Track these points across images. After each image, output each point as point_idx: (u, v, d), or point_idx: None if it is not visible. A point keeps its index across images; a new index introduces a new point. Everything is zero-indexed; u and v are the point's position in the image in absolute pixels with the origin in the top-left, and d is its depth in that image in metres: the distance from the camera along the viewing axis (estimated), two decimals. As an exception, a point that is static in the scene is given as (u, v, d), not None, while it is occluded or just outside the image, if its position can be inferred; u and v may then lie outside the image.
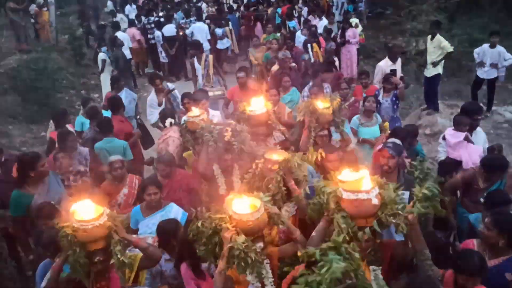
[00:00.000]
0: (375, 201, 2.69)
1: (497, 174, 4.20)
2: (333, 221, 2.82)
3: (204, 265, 3.41)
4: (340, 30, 10.66)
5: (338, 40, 10.46)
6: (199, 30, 11.22)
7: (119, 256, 2.90)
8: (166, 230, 3.65)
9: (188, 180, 4.68)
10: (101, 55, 9.54)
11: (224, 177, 4.30)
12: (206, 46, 11.06)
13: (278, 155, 3.51)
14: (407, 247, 3.03)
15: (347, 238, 2.66)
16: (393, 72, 7.23)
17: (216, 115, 5.78)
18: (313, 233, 2.96)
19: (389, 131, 5.21)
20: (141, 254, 3.23)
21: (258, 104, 4.67)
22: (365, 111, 5.79)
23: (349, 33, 10.36)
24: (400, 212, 2.74)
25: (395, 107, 6.48)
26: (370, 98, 5.79)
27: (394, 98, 6.47)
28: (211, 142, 4.33)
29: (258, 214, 2.75)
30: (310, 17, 12.00)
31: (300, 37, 10.05)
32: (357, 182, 2.78)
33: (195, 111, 4.84)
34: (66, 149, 4.90)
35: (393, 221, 2.73)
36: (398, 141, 4.16)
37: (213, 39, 11.69)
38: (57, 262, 2.99)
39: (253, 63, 9.30)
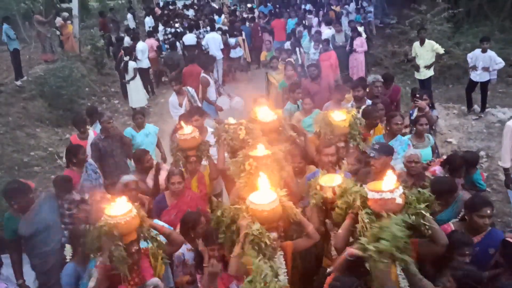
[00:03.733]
0: (399, 200, 2.81)
1: (443, 199, 3.59)
2: (357, 218, 2.93)
3: None
4: (349, 39, 11.02)
5: (347, 48, 10.87)
6: (213, 40, 11.74)
7: (158, 238, 3.19)
8: (187, 221, 3.78)
9: (196, 202, 4.36)
10: (133, 64, 10.14)
11: None
12: (219, 55, 11.64)
13: (262, 151, 3.71)
14: (432, 244, 2.96)
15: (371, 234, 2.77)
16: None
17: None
18: (339, 231, 3.08)
19: (444, 157, 4.84)
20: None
21: (267, 112, 4.58)
22: (416, 132, 5.32)
23: (356, 42, 10.62)
24: (423, 211, 2.84)
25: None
26: (422, 121, 5.27)
27: None
28: (228, 140, 4.26)
29: (273, 205, 2.99)
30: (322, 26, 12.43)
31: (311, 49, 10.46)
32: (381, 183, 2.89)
33: (186, 129, 4.51)
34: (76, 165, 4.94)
35: (420, 221, 2.82)
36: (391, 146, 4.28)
37: (227, 48, 12.21)
38: (102, 260, 3.02)
39: (275, 85, 8.33)
